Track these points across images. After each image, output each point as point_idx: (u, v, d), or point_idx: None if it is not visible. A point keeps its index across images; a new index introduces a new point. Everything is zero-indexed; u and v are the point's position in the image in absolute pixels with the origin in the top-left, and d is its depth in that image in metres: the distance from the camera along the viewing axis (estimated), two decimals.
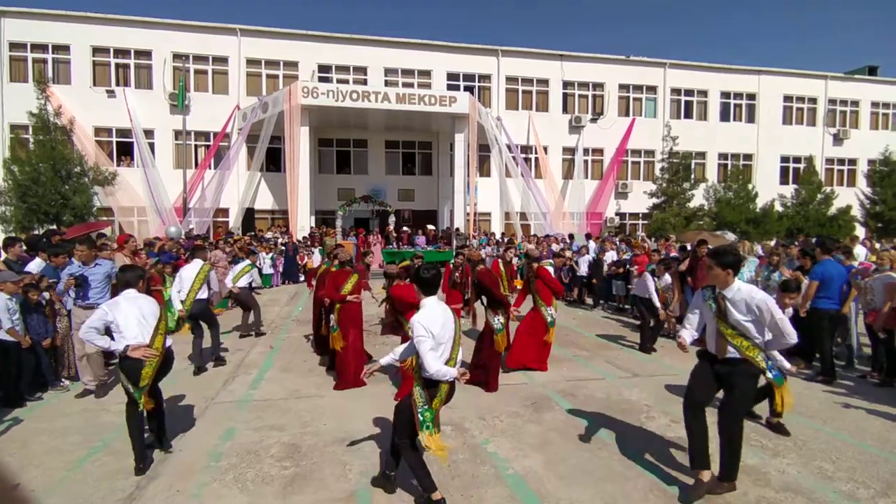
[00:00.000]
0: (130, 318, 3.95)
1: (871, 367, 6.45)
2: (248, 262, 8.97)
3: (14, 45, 19.18)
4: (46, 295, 5.76)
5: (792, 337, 3.51)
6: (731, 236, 15.28)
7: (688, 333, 3.85)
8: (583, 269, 12.16)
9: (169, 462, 4.05)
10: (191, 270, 6.67)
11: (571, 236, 16.91)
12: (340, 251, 6.72)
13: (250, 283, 8.77)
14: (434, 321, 3.29)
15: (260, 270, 14.30)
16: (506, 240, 17.77)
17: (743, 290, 3.56)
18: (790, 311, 5.76)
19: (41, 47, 19.42)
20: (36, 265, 6.22)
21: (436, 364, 3.23)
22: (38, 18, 19.23)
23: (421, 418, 3.28)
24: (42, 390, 5.58)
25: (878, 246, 11.17)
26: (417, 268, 3.68)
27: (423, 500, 3.41)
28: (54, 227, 15.83)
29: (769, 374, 3.76)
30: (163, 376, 4.19)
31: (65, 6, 19.50)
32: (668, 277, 8.24)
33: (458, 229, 19.80)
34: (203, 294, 6.70)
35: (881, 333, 6.02)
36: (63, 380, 5.90)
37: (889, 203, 23.47)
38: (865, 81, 27.57)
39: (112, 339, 3.94)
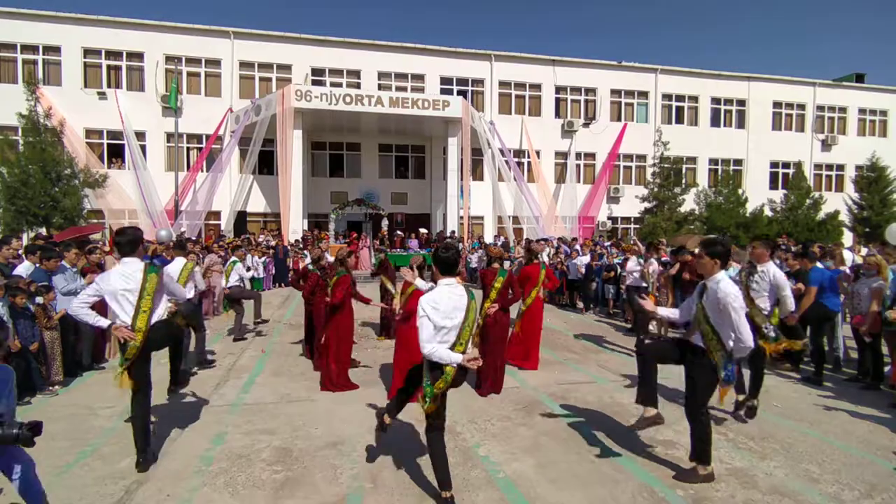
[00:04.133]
0: (117, 294, 3.88)
1: (858, 370, 6.54)
2: (233, 258, 9.25)
3: (4, 46, 19.03)
4: (40, 299, 5.70)
5: (747, 341, 3.60)
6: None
7: (669, 311, 4.27)
8: (574, 273, 12.22)
9: (159, 466, 4.03)
10: (174, 268, 6.31)
11: (563, 240, 16.99)
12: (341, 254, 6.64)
13: (241, 279, 9.06)
14: (438, 303, 3.29)
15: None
16: (499, 242, 17.86)
17: (721, 285, 3.68)
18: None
19: (31, 48, 19.27)
20: (25, 268, 6.18)
21: (428, 345, 3.25)
22: (28, 19, 19.08)
23: (425, 392, 3.39)
24: (30, 395, 5.53)
25: (864, 251, 11.32)
26: (437, 248, 3.69)
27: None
28: (43, 230, 15.69)
29: (721, 373, 3.75)
30: (160, 348, 4.19)
31: (56, 7, 19.30)
32: (655, 263, 8.35)
33: (452, 232, 19.84)
34: (189, 293, 6.32)
35: (867, 337, 6.12)
36: (52, 385, 5.84)
37: (876, 208, 23.81)
38: (853, 88, 27.98)
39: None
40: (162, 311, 4.10)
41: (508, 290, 6.02)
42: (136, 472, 3.92)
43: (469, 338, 3.37)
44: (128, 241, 4.02)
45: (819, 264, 7.06)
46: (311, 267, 7.41)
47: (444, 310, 3.29)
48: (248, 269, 13.45)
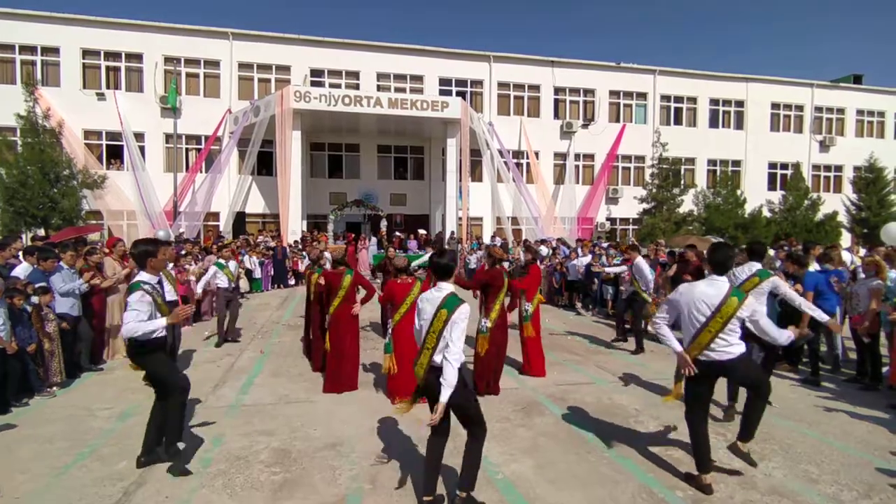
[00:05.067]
0: None
1: (857, 370, 6.54)
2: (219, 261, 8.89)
3: (2, 47, 19.00)
4: (35, 300, 5.69)
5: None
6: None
7: None
8: (573, 274, 12.22)
9: (157, 468, 4.01)
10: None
11: (563, 241, 16.98)
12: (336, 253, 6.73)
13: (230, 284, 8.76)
14: (421, 306, 3.46)
15: (250, 275, 14.30)
16: (498, 242, 17.84)
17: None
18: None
19: (30, 49, 19.24)
20: (22, 270, 6.16)
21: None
22: (26, 20, 19.05)
23: None
24: (28, 396, 5.52)
25: (862, 251, 11.34)
26: (433, 253, 3.78)
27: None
28: (42, 231, 15.67)
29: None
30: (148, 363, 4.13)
31: (54, 7, 19.30)
32: (642, 265, 8.22)
33: (452, 232, 19.85)
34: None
35: (865, 338, 6.13)
36: (49, 386, 5.82)
37: (874, 209, 23.88)
38: (851, 89, 28.02)
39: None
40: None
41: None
42: (136, 468, 3.97)
43: (435, 344, 3.27)
44: (136, 255, 4.16)
45: (816, 266, 7.06)
46: (319, 268, 7.45)
47: (421, 314, 3.44)
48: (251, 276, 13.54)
